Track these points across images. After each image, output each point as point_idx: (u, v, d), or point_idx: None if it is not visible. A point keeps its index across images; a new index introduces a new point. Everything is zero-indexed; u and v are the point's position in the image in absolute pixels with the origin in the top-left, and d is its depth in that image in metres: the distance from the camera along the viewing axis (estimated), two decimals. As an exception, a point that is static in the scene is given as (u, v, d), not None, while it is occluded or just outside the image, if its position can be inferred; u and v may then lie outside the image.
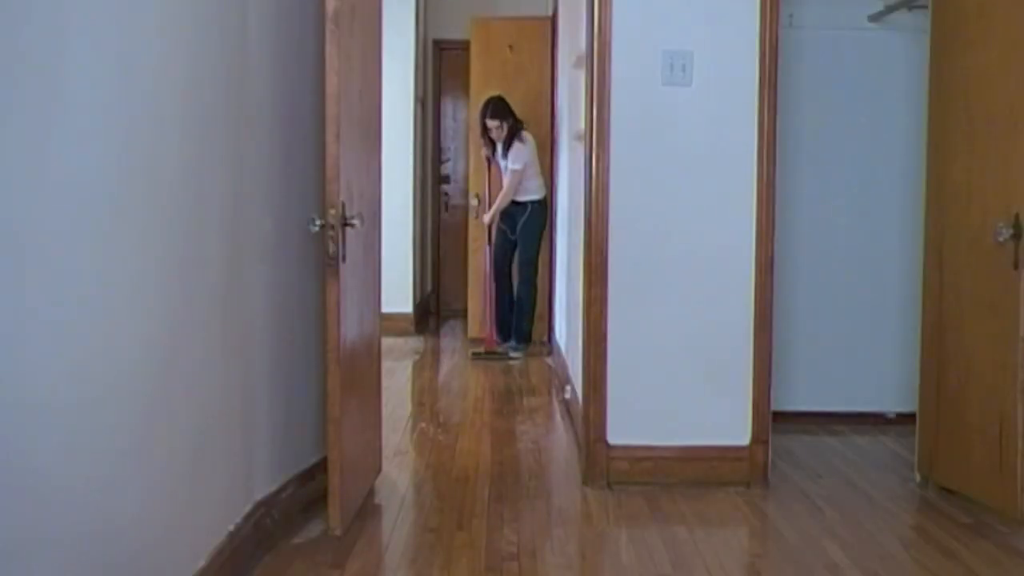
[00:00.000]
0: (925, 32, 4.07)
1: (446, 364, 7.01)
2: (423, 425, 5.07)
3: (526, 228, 7.16)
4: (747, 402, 3.98)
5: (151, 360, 2.39)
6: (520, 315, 7.22)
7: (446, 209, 9.29)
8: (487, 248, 7.39)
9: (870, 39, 4.96)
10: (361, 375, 3.61)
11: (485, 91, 7.31)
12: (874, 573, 3.14)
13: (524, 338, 7.25)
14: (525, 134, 7.08)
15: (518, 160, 7.03)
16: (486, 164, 7.42)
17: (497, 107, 7.06)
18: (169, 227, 2.50)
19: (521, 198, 7.12)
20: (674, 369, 3.99)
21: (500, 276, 7.37)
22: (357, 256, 3.48)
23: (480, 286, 7.60)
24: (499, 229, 7.32)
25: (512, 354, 7.07)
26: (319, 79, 3.25)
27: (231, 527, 2.93)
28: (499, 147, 7.13)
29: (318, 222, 3.26)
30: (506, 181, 7.09)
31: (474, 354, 7.00)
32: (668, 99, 3.94)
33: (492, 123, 7.06)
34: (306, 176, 3.57)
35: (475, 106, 7.42)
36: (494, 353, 7.00)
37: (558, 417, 5.38)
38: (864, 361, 5.02)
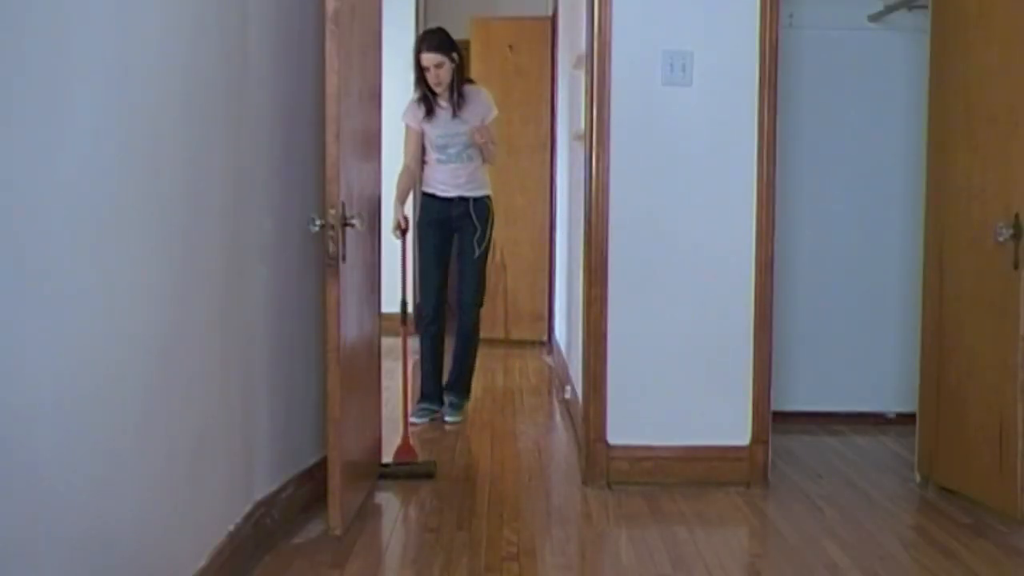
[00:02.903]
0: (925, 32, 4.07)
1: (446, 364, 6.99)
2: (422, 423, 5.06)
3: (479, 231, 5.01)
4: (747, 402, 3.98)
5: (150, 360, 2.39)
6: (465, 358, 5.17)
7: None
8: (410, 260, 4.84)
9: (870, 39, 4.96)
10: (361, 375, 3.61)
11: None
12: (874, 573, 3.14)
13: (468, 389, 5.23)
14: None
15: (490, 106, 5.03)
16: (413, 137, 4.99)
17: (435, 38, 4.92)
18: (169, 226, 2.50)
19: (470, 192, 5.00)
20: (674, 369, 3.98)
21: (433, 314, 5.05)
22: (357, 256, 3.48)
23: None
24: (429, 236, 5.02)
25: (449, 418, 5.06)
26: (319, 79, 3.25)
27: (231, 527, 2.93)
28: (439, 102, 4.92)
29: (318, 222, 3.25)
30: (484, 135, 4.93)
31: (382, 467, 4.09)
32: (668, 99, 3.94)
33: (430, 59, 4.81)
34: (306, 176, 3.57)
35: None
36: (409, 464, 4.18)
37: (558, 417, 5.38)
38: (864, 361, 5.02)
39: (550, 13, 7.61)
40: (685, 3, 3.93)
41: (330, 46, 3.18)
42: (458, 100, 4.92)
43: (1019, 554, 3.31)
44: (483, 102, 5.04)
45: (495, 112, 5.08)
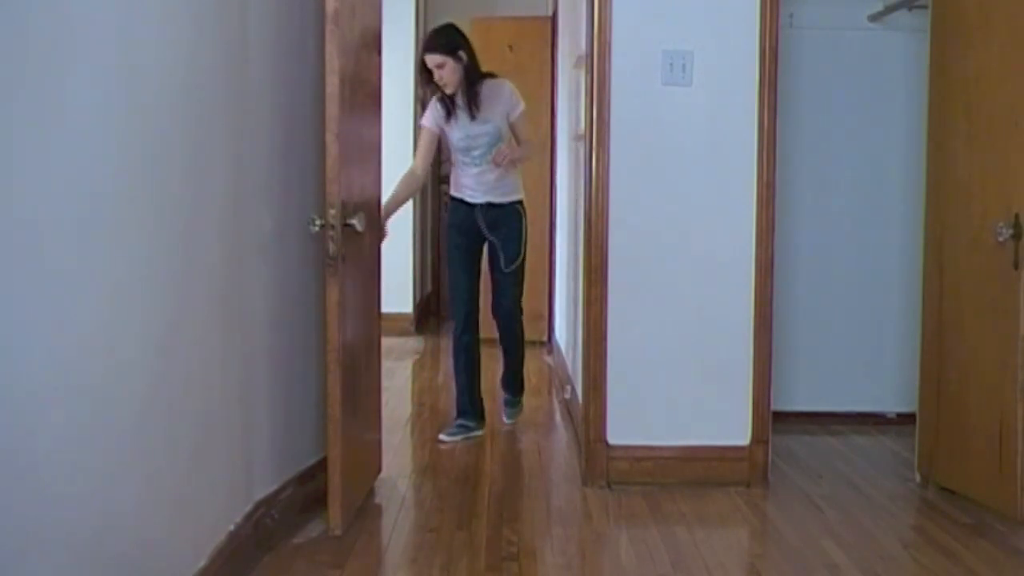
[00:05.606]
0: (925, 32, 4.07)
1: (446, 364, 7.00)
2: (423, 422, 5.07)
3: (511, 242, 4.74)
4: (747, 402, 3.98)
5: (150, 359, 2.39)
6: (513, 361, 5.01)
7: (446, 209, 9.27)
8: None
9: (870, 39, 4.96)
10: (361, 375, 3.61)
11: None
12: (874, 573, 3.14)
13: (520, 388, 5.10)
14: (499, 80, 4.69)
15: (514, 102, 4.65)
16: (426, 138, 4.70)
17: (435, 38, 4.61)
18: (169, 225, 2.50)
19: (499, 197, 4.72)
20: (674, 369, 3.98)
21: (464, 325, 4.78)
22: (357, 256, 3.48)
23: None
24: (458, 243, 4.79)
25: (507, 419, 5.06)
26: (319, 79, 3.25)
27: (231, 527, 2.93)
28: (458, 102, 4.59)
29: (318, 222, 3.25)
30: (502, 157, 4.56)
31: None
32: (668, 99, 3.94)
33: (430, 60, 4.52)
34: (306, 176, 3.57)
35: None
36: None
37: (558, 417, 5.38)
38: (864, 361, 5.02)
39: (550, 13, 7.61)
40: (685, 3, 3.93)
41: (330, 46, 3.18)
42: (473, 100, 4.57)
43: (1019, 554, 3.31)
44: (505, 98, 4.63)
45: (522, 107, 4.67)
